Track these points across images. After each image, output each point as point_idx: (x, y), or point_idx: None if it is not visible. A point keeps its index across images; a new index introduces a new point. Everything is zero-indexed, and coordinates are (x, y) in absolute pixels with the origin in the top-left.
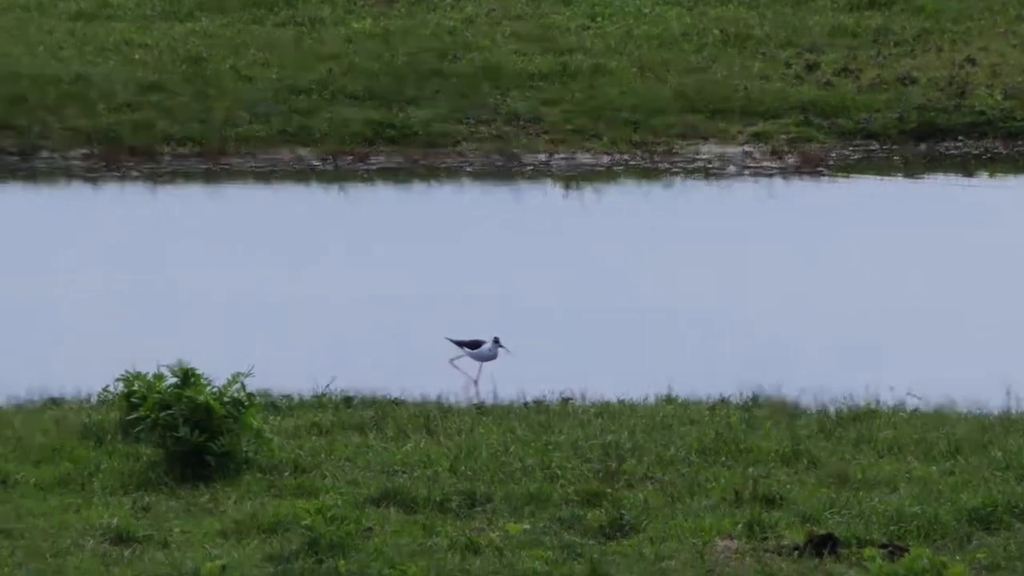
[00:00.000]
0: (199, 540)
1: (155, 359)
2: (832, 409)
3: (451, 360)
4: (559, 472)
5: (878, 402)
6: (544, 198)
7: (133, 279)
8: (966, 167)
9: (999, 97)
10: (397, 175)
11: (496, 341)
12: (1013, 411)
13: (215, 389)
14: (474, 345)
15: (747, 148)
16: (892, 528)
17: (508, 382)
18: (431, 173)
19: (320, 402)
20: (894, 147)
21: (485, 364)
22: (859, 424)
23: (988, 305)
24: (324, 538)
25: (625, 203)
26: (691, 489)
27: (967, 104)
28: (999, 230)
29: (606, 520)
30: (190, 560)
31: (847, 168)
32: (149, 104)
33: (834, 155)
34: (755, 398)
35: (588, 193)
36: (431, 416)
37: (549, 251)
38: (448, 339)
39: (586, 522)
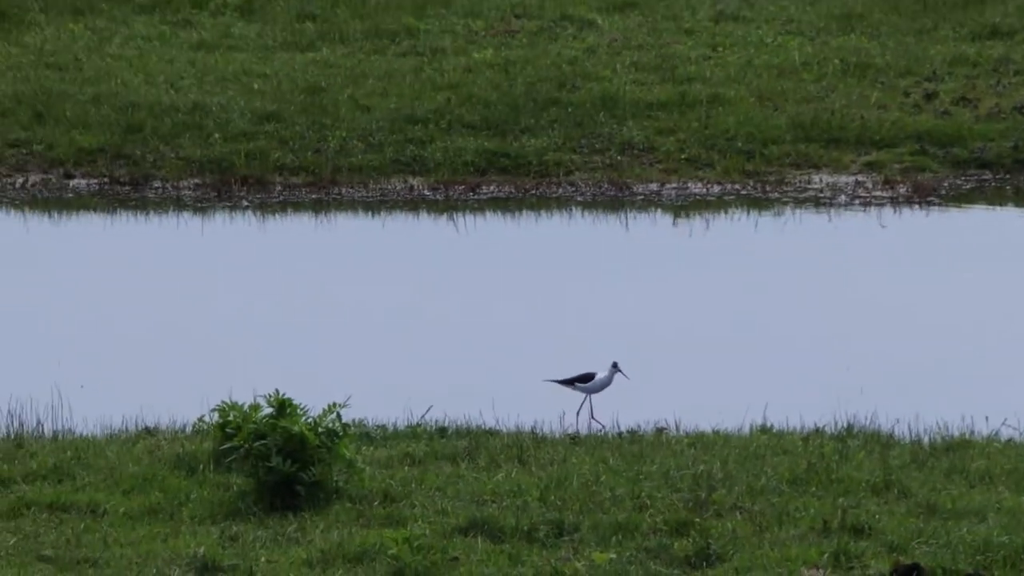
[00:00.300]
0: (285, 570)
1: (253, 389)
2: (926, 439)
3: (577, 411)
4: (648, 502)
5: (972, 432)
6: (652, 227)
7: (236, 308)
8: None
9: None
10: (507, 204)
11: (615, 366)
12: None
13: (311, 419)
14: (585, 379)
15: (859, 178)
16: (978, 558)
17: (605, 411)
18: (541, 203)
19: (414, 432)
20: (1007, 176)
21: (596, 395)
22: (952, 454)
23: None
24: (409, 567)
25: (732, 232)
26: (780, 519)
27: None
28: None
29: (692, 550)
30: None
31: (959, 198)
32: (264, 134)
33: (946, 184)
34: (850, 428)
35: (696, 222)
36: (524, 446)
37: (652, 281)
38: (551, 380)
39: (673, 552)
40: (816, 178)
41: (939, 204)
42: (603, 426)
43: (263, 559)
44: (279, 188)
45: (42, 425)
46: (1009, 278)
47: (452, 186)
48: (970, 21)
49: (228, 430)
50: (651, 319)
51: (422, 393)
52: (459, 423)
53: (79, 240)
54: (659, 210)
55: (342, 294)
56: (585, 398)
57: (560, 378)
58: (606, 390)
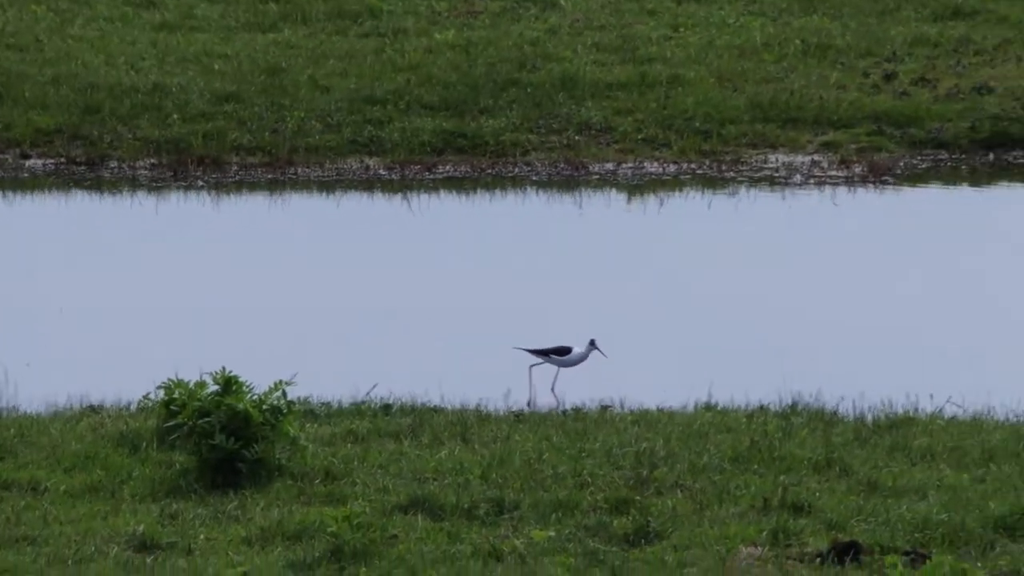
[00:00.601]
0: (223, 547)
1: (200, 367)
2: (869, 417)
3: (531, 366)
4: (590, 479)
5: (916, 410)
6: (606, 207)
7: (187, 287)
8: None
9: None
10: (462, 184)
11: (592, 343)
12: None
13: (256, 397)
14: (561, 352)
15: (815, 157)
16: (917, 535)
17: (547, 391)
18: (496, 182)
19: (359, 410)
20: (963, 156)
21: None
22: (895, 432)
23: None
24: (348, 545)
25: (685, 211)
26: (720, 497)
27: None
28: None
29: (632, 528)
30: (212, 567)
31: (914, 178)
32: (223, 114)
33: (902, 164)
34: (794, 406)
35: (650, 201)
36: (468, 423)
37: (603, 260)
38: (523, 349)
39: (612, 529)
40: (772, 158)
41: (894, 184)
42: (558, 400)
43: (202, 536)
44: (235, 168)
45: None
46: (958, 257)
47: (408, 166)
48: (932, 2)
49: (173, 407)
50: (601, 298)
51: (369, 371)
52: (404, 400)
53: (33, 220)
54: (614, 190)
55: (294, 273)
56: (557, 371)
57: (534, 348)
58: (544, 368)
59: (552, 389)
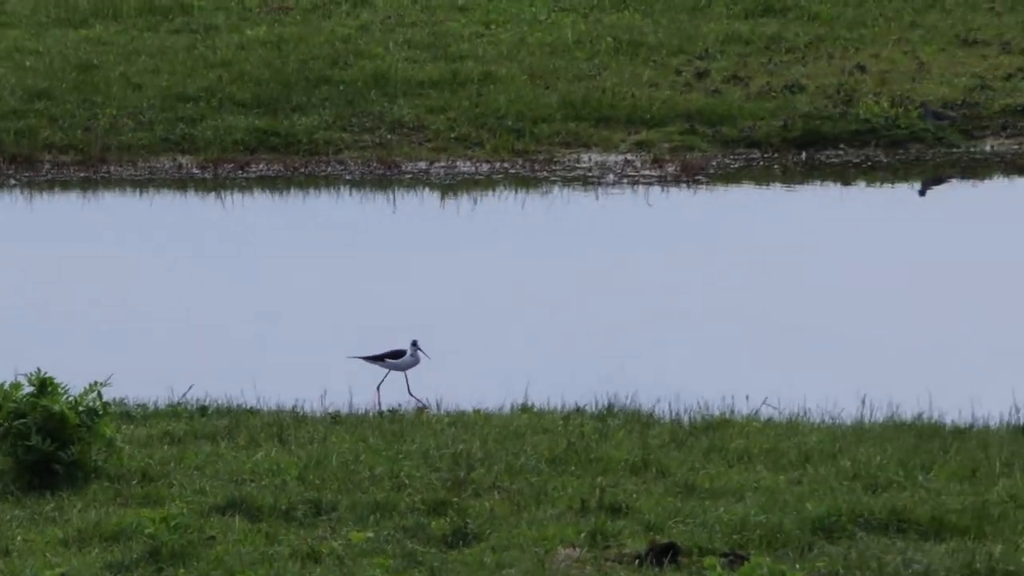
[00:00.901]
0: (41, 548)
1: (15, 368)
2: (686, 418)
3: (378, 386)
4: (407, 481)
5: (732, 411)
6: (420, 206)
7: None
8: (844, 176)
9: (885, 105)
10: (275, 183)
11: (415, 344)
12: (866, 420)
13: (72, 398)
14: (395, 355)
15: (628, 156)
16: (735, 537)
17: (365, 392)
18: (310, 181)
19: (175, 411)
20: (775, 155)
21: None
22: (712, 433)
23: (847, 315)
24: (166, 547)
25: (499, 211)
26: (538, 498)
27: (853, 112)
28: (864, 238)
29: (449, 529)
30: (29, 568)
31: (726, 177)
32: (35, 112)
33: (715, 163)
34: (610, 408)
35: (464, 201)
36: (284, 425)
37: (417, 259)
38: (357, 357)
39: (430, 531)
40: (585, 157)
41: (707, 183)
42: (421, 401)
43: (19, 538)
44: (47, 166)
45: None
46: (772, 257)
47: (221, 164)
48: None
49: None
50: (415, 297)
51: (185, 372)
52: (220, 402)
53: None
54: (427, 189)
55: (108, 273)
56: (386, 373)
57: (368, 355)
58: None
59: (378, 388)
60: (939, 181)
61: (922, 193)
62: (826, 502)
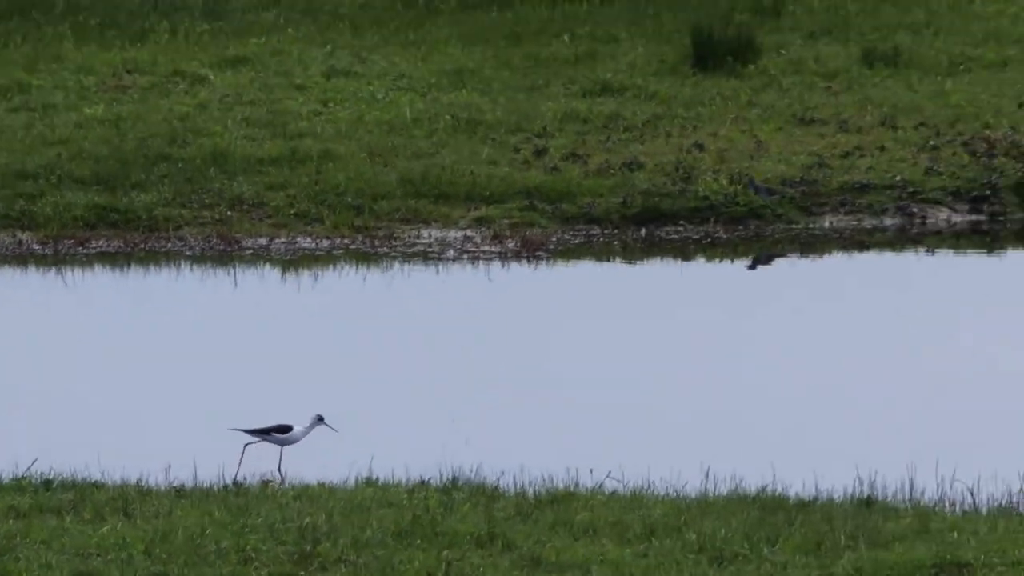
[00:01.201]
0: None
1: None
2: (531, 491)
3: (246, 444)
4: (254, 555)
5: (577, 484)
6: (260, 282)
7: None
8: (685, 252)
9: (724, 182)
10: (116, 259)
11: (320, 419)
12: (710, 493)
13: None
14: (282, 430)
15: (468, 232)
16: None
17: (211, 465)
18: (150, 257)
19: (19, 485)
20: (615, 231)
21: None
22: (557, 506)
23: (689, 387)
24: None
25: (340, 287)
26: (384, 572)
27: (692, 189)
28: (703, 313)
29: None
30: None
31: (567, 253)
32: None
33: (555, 239)
34: (455, 480)
35: (304, 277)
36: (129, 499)
37: (256, 335)
38: (240, 430)
39: None
40: (425, 233)
41: (547, 259)
42: (281, 476)
43: None
44: None
45: None
46: (611, 332)
47: (61, 240)
48: (581, 78)
49: None
50: (256, 374)
51: (29, 445)
52: (64, 476)
53: None
54: (268, 264)
55: None
56: (281, 450)
57: (252, 428)
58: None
59: (279, 468)
60: (772, 257)
61: (752, 267)
62: (671, 575)
